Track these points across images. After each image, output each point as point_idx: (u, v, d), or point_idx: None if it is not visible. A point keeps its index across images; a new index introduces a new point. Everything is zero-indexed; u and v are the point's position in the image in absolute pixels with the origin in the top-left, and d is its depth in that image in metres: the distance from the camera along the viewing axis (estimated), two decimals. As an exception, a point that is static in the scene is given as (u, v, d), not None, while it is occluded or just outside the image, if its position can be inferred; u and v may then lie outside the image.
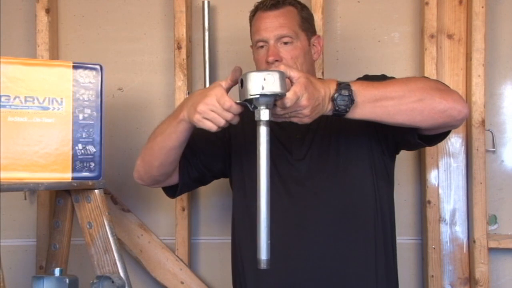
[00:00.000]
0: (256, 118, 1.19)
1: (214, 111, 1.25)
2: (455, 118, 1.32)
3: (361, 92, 1.26)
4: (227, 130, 1.57)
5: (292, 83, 1.21)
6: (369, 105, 1.27)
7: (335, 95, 1.24)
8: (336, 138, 1.51)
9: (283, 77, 1.18)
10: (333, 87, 1.25)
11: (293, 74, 1.21)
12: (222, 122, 1.27)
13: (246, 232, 1.54)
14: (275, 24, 1.49)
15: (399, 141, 1.49)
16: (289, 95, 1.17)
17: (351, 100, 1.25)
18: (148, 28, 2.09)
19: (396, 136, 1.46)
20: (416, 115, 1.29)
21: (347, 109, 1.25)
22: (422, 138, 1.41)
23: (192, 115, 1.29)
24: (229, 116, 1.25)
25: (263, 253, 1.17)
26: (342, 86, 1.25)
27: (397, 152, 1.59)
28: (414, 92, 1.30)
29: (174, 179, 1.58)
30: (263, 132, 1.19)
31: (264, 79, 1.16)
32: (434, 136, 1.42)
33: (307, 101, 1.20)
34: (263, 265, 1.18)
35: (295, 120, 1.25)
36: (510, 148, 1.98)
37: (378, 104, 1.28)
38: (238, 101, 1.23)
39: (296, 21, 1.52)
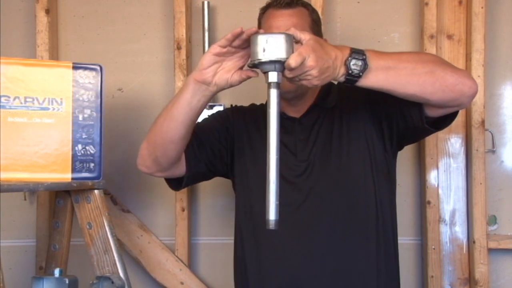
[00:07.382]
0: (265, 81, 1.18)
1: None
2: (465, 94, 1.32)
3: (375, 59, 1.26)
4: (230, 135, 1.58)
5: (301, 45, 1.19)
6: (382, 72, 1.26)
7: (349, 59, 1.23)
8: (338, 137, 1.51)
9: (290, 40, 1.16)
10: (346, 52, 1.24)
11: (303, 36, 1.20)
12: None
13: (249, 233, 1.54)
14: (288, 23, 1.47)
15: (405, 130, 1.47)
16: (294, 56, 1.15)
17: (365, 65, 1.24)
18: (148, 28, 2.09)
19: (403, 122, 1.45)
20: (427, 86, 1.29)
21: (360, 74, 1.24)
22: (429, 123, 1.41)
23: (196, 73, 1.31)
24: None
25: (272, 214, 1.16)
26: (356, 50, 1.24)
27: (401, 147, 1.58)
28: (427, 63, 1.31)
29: (180, 170, 1.53)
30: (273, 95, 1.17)
31: (267, 42, 1.14)
32: (440, 120, 1.41)
33: (314, 62, 1.17)
34: (271, 226, 1.16)
35: (304, 83, 1.22)
36: (510, 149, 1.98)
37: (391, 72, 1.27)
38: (246, 68, 1.20)
39: (307, 23, 1.51)
